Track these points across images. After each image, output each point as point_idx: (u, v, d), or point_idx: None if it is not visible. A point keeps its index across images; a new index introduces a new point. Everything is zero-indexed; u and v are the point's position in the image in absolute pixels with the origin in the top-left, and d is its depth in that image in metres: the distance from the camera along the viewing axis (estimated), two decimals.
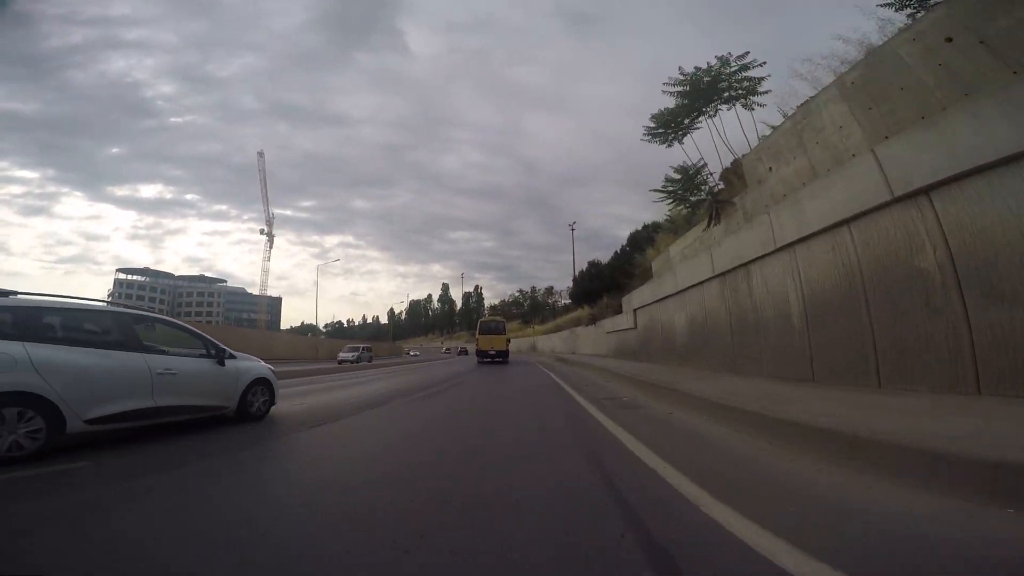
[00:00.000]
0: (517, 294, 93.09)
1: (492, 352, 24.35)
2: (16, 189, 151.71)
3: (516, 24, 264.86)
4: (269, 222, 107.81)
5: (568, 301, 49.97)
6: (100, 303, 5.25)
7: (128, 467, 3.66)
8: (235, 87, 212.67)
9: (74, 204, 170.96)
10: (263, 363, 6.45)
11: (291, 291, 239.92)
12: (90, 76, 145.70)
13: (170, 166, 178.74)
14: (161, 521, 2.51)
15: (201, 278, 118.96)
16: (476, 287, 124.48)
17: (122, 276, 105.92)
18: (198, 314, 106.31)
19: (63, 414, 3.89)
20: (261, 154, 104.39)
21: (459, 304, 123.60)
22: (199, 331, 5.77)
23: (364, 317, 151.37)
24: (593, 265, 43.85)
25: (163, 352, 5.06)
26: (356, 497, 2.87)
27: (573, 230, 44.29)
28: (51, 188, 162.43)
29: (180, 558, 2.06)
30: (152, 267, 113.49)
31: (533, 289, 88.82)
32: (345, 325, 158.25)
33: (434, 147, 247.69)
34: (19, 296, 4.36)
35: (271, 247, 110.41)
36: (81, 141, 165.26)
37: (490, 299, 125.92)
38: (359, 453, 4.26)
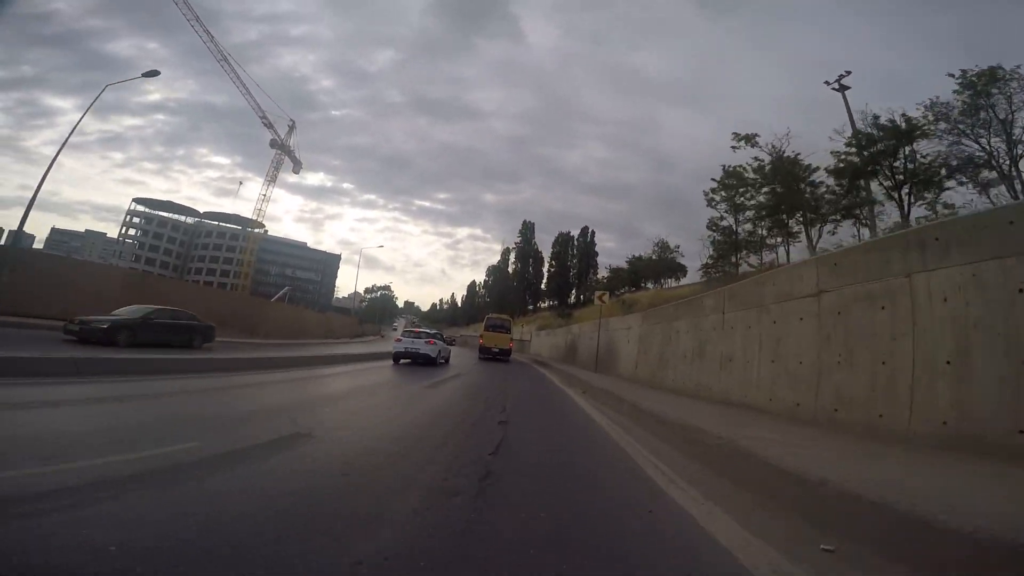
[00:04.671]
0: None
1: (495, 349, 24.97)
2: (212, 173, 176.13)
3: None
4: (267, 123, 74.33)
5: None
6: (436, 331, 19.96)
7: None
8: (381, 81, 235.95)
9: (256, 187, 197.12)
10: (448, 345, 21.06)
11: (423, 278, 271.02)
12: (265, 70, 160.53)
13: (330, 156, 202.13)
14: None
15: (235, 218, 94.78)
16: (585, 228, 67.39)
17: (138, 207, 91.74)
18: (213, 259, 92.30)
19: (446, 359, 18.63)
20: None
21: (548, 262, 68.54)
22: (441, 333, 20.71)
23: (453, 296, 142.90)
24: None
25: (443, 340, 19.77)
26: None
27: (844, 87, 23.01)
28: (239, 173, 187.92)
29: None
30: (176, 201, 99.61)
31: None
32: (427, 308, 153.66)
33: (557, 141, 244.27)
34: (435, 331, 19.32)
35: (297, 167, 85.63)
36: (261, 131, 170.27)
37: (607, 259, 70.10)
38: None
